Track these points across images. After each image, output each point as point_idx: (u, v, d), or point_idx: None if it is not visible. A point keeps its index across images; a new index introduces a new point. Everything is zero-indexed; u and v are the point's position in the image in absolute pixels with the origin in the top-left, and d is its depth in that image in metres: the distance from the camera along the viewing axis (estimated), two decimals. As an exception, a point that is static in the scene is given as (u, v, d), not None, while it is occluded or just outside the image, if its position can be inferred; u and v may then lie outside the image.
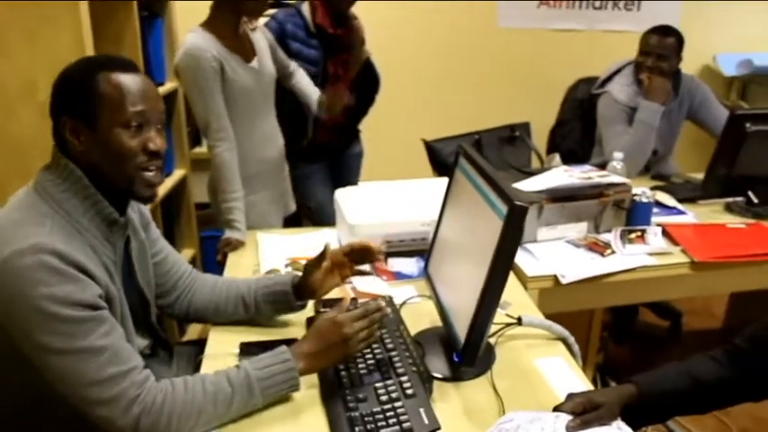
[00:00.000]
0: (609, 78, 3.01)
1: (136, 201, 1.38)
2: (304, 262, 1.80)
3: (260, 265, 1.95)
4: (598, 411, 1.25)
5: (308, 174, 2.75)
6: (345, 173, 2.85)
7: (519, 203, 1.17)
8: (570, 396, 1.29)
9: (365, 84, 2.75)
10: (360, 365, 1.38)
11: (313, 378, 1.37)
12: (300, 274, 1.60)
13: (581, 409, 1.25)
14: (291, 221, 2.58)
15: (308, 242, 2.09)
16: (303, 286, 1.58)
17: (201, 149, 3.31)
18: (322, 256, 1.58)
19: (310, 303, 1.65)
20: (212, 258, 3.16)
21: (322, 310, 1.66)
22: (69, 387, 1.15)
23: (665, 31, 2.81)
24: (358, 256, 1.62)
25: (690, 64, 3.21)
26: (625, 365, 2.77)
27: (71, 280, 1.14)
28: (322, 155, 2.76)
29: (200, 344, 1.71)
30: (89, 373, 1.14)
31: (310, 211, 2.70)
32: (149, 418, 1.17)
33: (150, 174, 1.29)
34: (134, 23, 2.36)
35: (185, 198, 2.94)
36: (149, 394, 1.18)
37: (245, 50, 2.18)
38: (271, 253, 2.02)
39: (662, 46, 2.79)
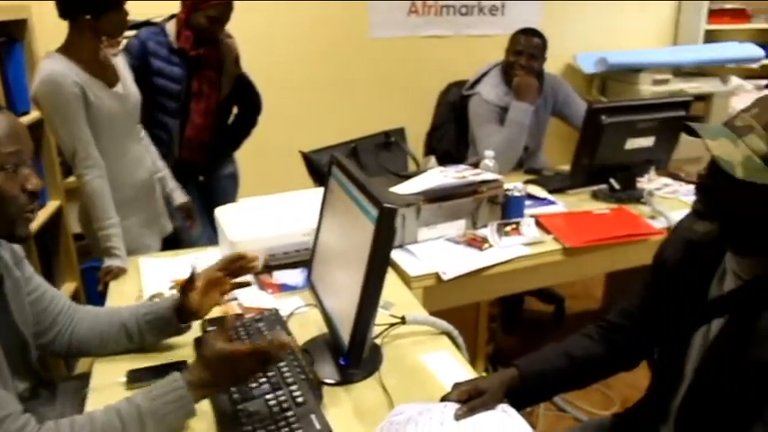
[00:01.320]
0: (478, 80, 3.15)
1: (13, 242, 1.33)
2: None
3: (143, 291, 1.91)
4: (483, 397, 1.31)
5: None
6: (218, 195, 2.81)
7: (387, 206, 1.22)
8: (456, 385, 1.35)
9: (244, 105, 2.75)
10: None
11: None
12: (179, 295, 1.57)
13: (466, 397, 1.31)
14: (169, 242, 2.53)
15: (193, 262, 2.06)
16: (183, 309, 1.54)
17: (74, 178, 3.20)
18: (191, 280, 1.53)
19: (197, 323, 1.63)
20: (95, 290, 3.05)
21: (209, 329, 1.65)
22: None
23: (532, 33, 2.98)
24: (235, 269, 1.58)
25: (553, 63, 3.40)
26: (515, 353, 2.87)
27: None
28: (189, 176, 2.73)
29: (85, 378, 1.66)
30: None
31: (175, 231, 2.65)
32: None
33: (29, 215, 1.27)
34: (-7, 50, 2.27)
35: (62, 230, 2.83)
36: None
37: (107, 75, 2.12)
38: (154, 277, 1.98)
39: (532, 46, 2.95)
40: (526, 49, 2.97)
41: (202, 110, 2.64)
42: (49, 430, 1.16)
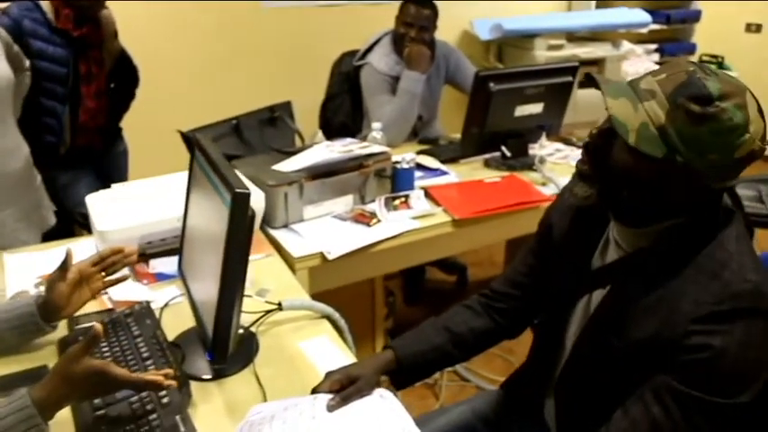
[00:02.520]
0: (369, 50, 3.08)
1: None
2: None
3: (5, 290, 1.76)
4: (357, 384, 1.26)
5: (71, 180, 2.53)
6: (113, 174, 2.66)
7: (240, 191, 1.14)
8: (328, 374, 1.30)
9: (122, 78, 2.58)
10: (111, 382, 1.29)
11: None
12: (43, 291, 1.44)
13: (338, 386, 1.25)
14: (53, 236, 2.37)
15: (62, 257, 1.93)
16: (49, 305, 1.41)
17: None
18: (63, 267, 1.40)
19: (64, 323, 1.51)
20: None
21: (77, 327, 1.54)
22: None
23: (422, 3, 2.91)
24: (109, 264, 1.49)
25: (450, 30, 3.36)
26: (417, 324, 2.87)
27: None
28: (85, 159, 2.56)
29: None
30: None
31: (85, 218, 2.49)
32: None
33: None
34: None
35: None
36: None
37: None
38: (18, 274, 1.84)
39: (422, 17, 2.89)
40: (416, 21, 2.91)
41: (93, 92, 2.45)
42: None
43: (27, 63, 2.26)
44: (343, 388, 1.25)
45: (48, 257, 1.93)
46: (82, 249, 1.94)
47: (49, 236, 2.33)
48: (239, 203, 1.15)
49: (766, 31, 5.38)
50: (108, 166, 2.69)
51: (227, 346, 1.25)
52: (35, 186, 2.28)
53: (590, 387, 1.23)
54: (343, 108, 3.24)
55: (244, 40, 3.78)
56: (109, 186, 2.09)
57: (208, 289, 1.31)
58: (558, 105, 2.70)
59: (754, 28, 5.43)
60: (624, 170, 1.05)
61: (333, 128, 3.17)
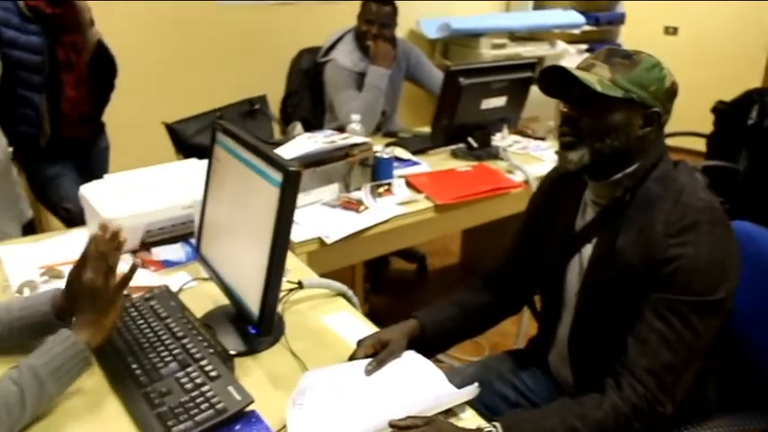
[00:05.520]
0: (332, 47, 3.15)
1: None
2: (64, 268, 1.67)
3: (8, 280, 1.76)
4: (389, 347, 1.38)
5: (56, 174, 2.51)
6: (94, 169, 2.61)
7: (293, 169, 1.22)
8: (360, 342, 1.40)
9: (100, 68, 2.56)
10: (154, 360, 1.33)
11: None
12: (60, 285, 1.40)
13: (372, 351, 1.38)
14: (29, 230, 2.34)
15: (61, 246, 1.93)
16: (64, 306, 1.37)
17: None
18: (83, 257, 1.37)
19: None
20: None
21: None
22: None
23: (383, 1, 3.01)
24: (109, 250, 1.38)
25: (397, 29, 3.46)
26: (386, 311, 2.98)
27: None
28: (69, 151, 2.53)
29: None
30: None
31: (69, 214, 2.46)
32: None
33: None
34: None
35: None
36: None
37: None
38: (18, 266, 1.83)
39: (383, 14, 2.99)
40: (378, 18, 3.01)
41: (74, 81, 2.43)
42: None
43: None
44: (377, 352, 1.37)
45: (42, 248, 1.94)
46: (74, 240, 1.96)
47: (27, 229, 2.32)
48: (292, 181, 1.22)
49: (682, 33, 5.77)
50: (90, 161, 2.67)
51: (273, 319, 1.33)
52: (12, 180, 2.25)
53: (599, 328, 1.38)
54: (304, 104, 3.31)
55: (200, 37, 3.78)
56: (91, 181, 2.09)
57: (246, 268, 1.38)
58: (519, 99, 2.87)
59: (671, 30, 5.81)
60: (601, 121, 1.30)
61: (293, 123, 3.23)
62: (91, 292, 1.27)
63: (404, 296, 3.31)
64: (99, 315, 1.28)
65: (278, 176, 1.24)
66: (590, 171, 1.36)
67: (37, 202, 2.66)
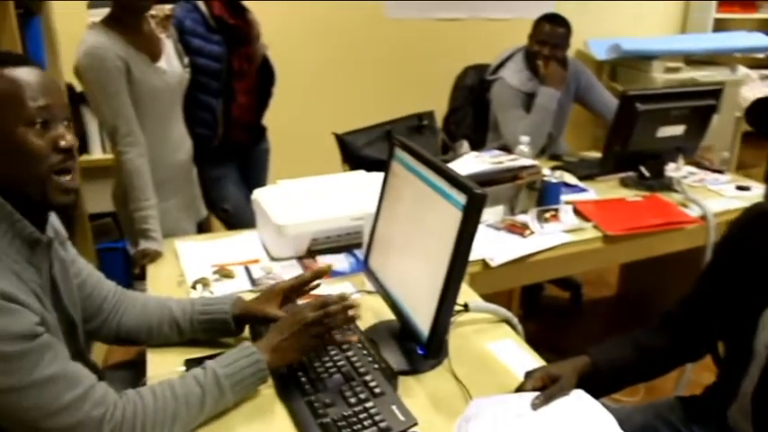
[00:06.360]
0: (501, 65, 3.11)
1: (53, 210, 1.25)
2: (234, 268, 1.74)
3: (184, 275, 1.85)
4: (559, 383, 1.31)
5: (221, 175, 2.65)
6: (255, 171, 2.77)
7: (478, 191, 1.19)
8: (528, 374, 1.34)
9: (262, 77, 2.69)
10: (319, 369, 1.34)
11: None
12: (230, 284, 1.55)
13: (541, 384, 1.31)
14: (202, 228, 2.48)
15: (232, 247, 2.01)
16: (245, 314, 1.48)
17: (89, 157, 3.13)
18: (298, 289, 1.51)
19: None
20: (110, 271, 2.98)
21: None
22: (26, 422, 1.06)
23: (557, 21, 2.93)
24: (310, 289, 1.55)
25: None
26: (537, 338, 2.88)
27: (2, 313, 1.03)
28: (233, 155, 2.67)
29: (132, 366, 1.61)
30: (45, 406, 1.06)
31: (227, 214, 2.60)
32: None
33: (65, 178, 1.17)
34: (11, 22, 2.20)
35: (78, 210, 2.76)
36: (117, 409, 1.12)
37: (151, 49, 2.06)
38: (193, 262, 1.93)
39: (556, 35, 2.91)
40: (550, 39, 2.92)
41: (244, 88, 2.56)
42: (133, 397, 1.16)
43: (186, 60, 2.38)
44: (545, 387, 1.30)
45: (215, 247, 2.03)
46: (243, 242, 2.04)
47: (200, 227, 2.45)
48: (476, 204, 1.19)
49: None
50: (251, 163, 2.79)
51: (442, 341, 1.30)
52: (192, 179, 2.39)
53: None
54: (466, 121, 3.28)
55: (364, 50, 3.87)
56: (251, 183, 2.18)
57: (418, 286, 1.36)
58: (699, 128, 2.67)
59: None
60: None
61: (455, 140, 3.21)
62: (303, 329, 1.31)
63: (556, 325, 3.18)
64: (292, 351, 1.32)
65: (461, 198, 1.21)
66: None
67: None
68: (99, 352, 2.59)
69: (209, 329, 1.49)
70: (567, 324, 3.21)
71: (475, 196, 1.19)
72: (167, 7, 2.46)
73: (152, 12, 2.12)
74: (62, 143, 1.14)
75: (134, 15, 2.00)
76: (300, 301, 1.52)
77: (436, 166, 1.34)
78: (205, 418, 1.23)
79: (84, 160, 3.03)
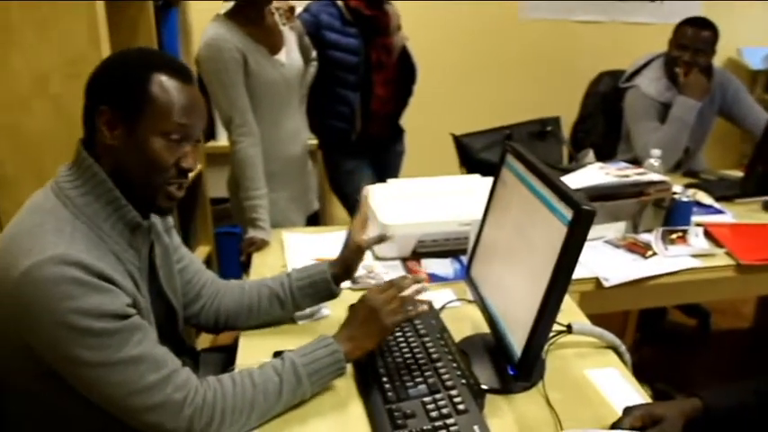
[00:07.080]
0: (636, 72, 2.92)
1: (152, 212, 1.29)
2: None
3: (287, 265, 1.87)
4: (660, 425, 1.18)
5: (354, 167, 2.66)
6: (387, 172, 2.74)
7: (586, 207, 1.09)
8: (628, 410, 1.22)
9: (403, 73, 2.66)
10: (404, 377, 1.30)
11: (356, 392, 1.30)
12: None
13: (640, 424, 1.18)
14: (312, 220, 2.49)
15: (337, 242, 1.99)
16: (342, 265, 1.55)
17: (215, 143, 3.24)
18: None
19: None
20: (227, 255, 3.09)
21: None
22: (109, 398, 1.10)
23: (701, 24, 2.70)
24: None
25: (714, 56, 3.12)
26: (655, 366, 2.69)
27: (98, 291, 1.07)
28: (368, 150, 2.67)
29: (226, 350, 1.64)
30: (129, 384, 1.09)
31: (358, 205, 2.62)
32: (203, 418, 1.14)
33: (174, 188, 1.23)
34: (149, 13, 2.29)
35: (201, 194, 2.86)
36: (198, 394, 1.14)
37: (272, 42, 2.09)
38: (297, 253, 1.94)
39: (699, 39, 2.68)
40: (692, 44, 2.70)
41: (383, 81, 2.56)
42: (213, 384, 1.18)
43: (314, 54, 2.39)
44: (644, 427, 1.17)
45: (320, 240, 2.03)
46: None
47: (311, 220, 2.46)
48: (583, 221, 1.09)
49: None
50: (386, 162, 2.79)
51: (535, 363, 1.21)
52: (307, 171, 2.41)
53: None
54: (597, 129, 3.12)
55: (498, 51, 3.77)
56: (383, 181, 2.15)
57: (516, 301, 1.28)
58: None
59: None
60: None
61: (583, 148, 3.05)
62: (375, 313, 1.31)
63: (678, 354, 2.94)
64: (367, 338, 1.32)
65: (568, 213, 1.12)
66: None
67: (325, 196, 2.82)
68: (204, 340, 2.67)
69: (310, 294, 1.54)
70: (689, 355, 2.96)
71: (582, 212, 1.09)
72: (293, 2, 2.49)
73: (275, 4, 2.14)
74: (184, 164, 1.20)
75: (256, 8, 2.04)
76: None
77: (546, 176, 1.25)
78: (282, 408, 1.24)
79: (210, 146, 3.14)
